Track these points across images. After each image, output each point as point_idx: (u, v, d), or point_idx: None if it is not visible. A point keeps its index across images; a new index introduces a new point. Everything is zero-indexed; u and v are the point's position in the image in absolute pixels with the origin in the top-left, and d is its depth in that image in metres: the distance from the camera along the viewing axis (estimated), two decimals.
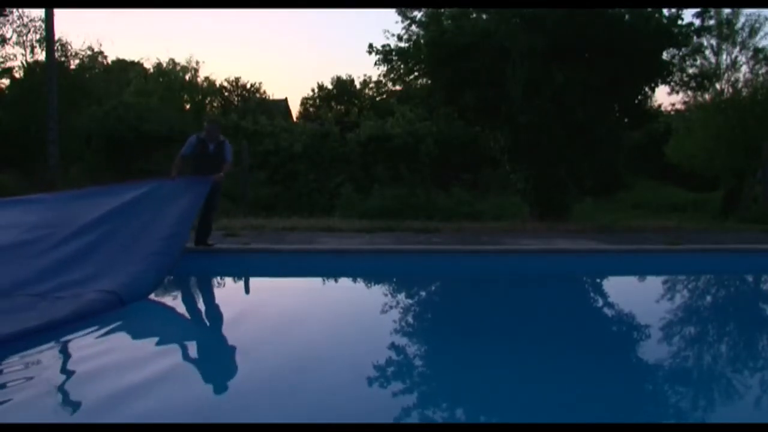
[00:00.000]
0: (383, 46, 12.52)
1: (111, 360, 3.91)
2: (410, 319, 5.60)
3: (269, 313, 5.56)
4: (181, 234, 6.39)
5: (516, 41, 10.95)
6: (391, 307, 6.06)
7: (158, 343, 4.52)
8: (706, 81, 13.32)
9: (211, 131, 7.47)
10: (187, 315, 5.75)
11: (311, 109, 36.37)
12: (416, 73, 12.79)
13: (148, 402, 3.19)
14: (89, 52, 23.26)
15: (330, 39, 59.53)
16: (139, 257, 5.71)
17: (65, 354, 4.13)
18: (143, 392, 3.33)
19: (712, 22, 13.97)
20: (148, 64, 29.62)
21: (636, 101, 12.21)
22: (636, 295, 6.88)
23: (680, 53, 11.88)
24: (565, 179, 11.85)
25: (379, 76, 15.06)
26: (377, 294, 6.97)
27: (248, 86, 36.04)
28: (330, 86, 37.14)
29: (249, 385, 3.59)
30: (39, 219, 6.29)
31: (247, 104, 31.94)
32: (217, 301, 6.53)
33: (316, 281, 7.28)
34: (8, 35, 19.85)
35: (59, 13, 19.87)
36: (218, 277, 7.14)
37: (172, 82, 28.28)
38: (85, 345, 4.21)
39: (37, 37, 19.81)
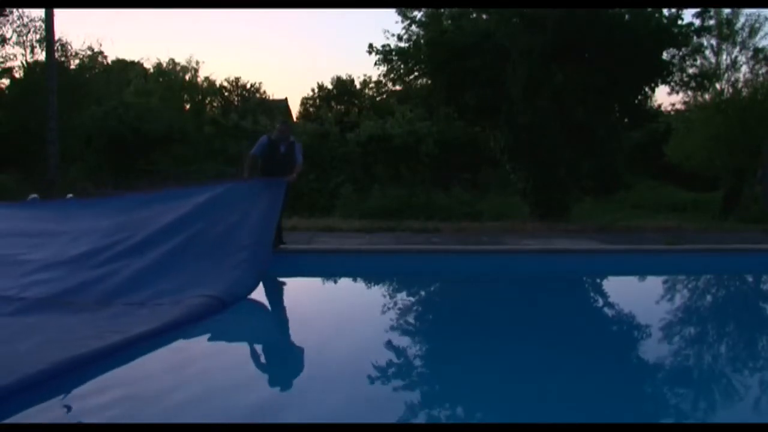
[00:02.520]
0: (383, 46, 12.55)
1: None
2: (410, 319, 5.60)
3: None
4: (269, 238, 6.27)
5: (516, 41, 10.96)
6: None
7: (254, 344, 4.54)
8: (706, 81, 13.34)
9: (282, 132, 7.28)
10: (264, 315, 5.70)
11: (311, 109, 36.34)
12: (416, 73, 12.81)
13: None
14: (89, 52, 23.25)
15: (330, 39, 59.52)
16: (233, 262, 5.56)
17: (161, 359, 4.00)
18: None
19: (712, 22, 14.00)
20: (148, 64, 29.66)
21: (636, 101, 12.23)
22: (636, 295, 6.88)
23: (680, 53, 11.89)
24: (565, 179, 11.86)
25: (379, 76, 15.09)
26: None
27: (248, 86, 36.04)
28: (330, 86, 37.12)
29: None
30: (114, 223, 6.11)
31: (247, 104, 31.94)
32: (287, 300, 6.48)
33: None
34: (8, 35, 19.85)
35: (59, 13, 19.89)
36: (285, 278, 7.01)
37: (172, 82, 28.30)
38: (181, 347, 4.16)
39: (37, 37, 19.81)
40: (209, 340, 4.49)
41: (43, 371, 3.13)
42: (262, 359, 4.31)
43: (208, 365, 3.91)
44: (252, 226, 6.13)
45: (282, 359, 4.28)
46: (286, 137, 7.25)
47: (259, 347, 4.53)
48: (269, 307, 5.90)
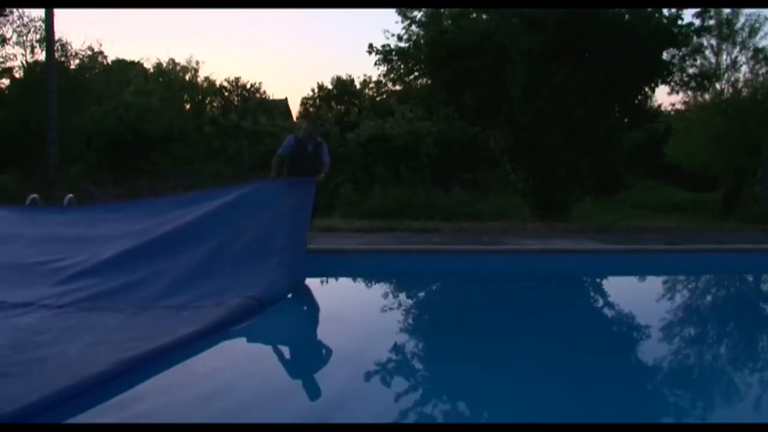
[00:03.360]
0: (383, 46, 12.55)
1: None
2: (410, 320, 5.60)
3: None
4: (303, 239, 6.23)
5: (516, 41, 10.96)
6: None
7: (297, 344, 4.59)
8: (706, 81, 13.35)
9: (310, 131, 7.18)
10: (302, 315, 5.71)
11: (311, 109, 36.35)
12: (416, 73, 12.81)
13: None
14: (89, 52, 23.26)
15: (330, 39, 59.50)
16: (270, 264, 5.50)
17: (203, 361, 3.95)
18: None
19: (712, 22, 14.01)
20: (148, 64, 29.66)
21: (636, 101, 12.23)
22: (636, 295, 6.88)
23: (680, 53, 11.89)
24: (565, 179, 11.86)
25: (379, 76, 15.09)
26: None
27: (248, 86, 36.05)
28: (330, 86, 37.14)
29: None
30: (145, 227, 6.03)
31: (247, 104, 31.95)
32: (322, 300, 6.46)
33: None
34: (8, 35, 19.85)
35: (59, 13, 19.88)
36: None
37: (172, 82, 28.30)
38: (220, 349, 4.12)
39: (37, 37, 19.81)
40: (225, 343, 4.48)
41: (104, 372, 3.09)
42: (288, 361, 4.29)
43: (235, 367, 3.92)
44: (286, 227, 6.08)
45: (311, 361, 4.24)
46: (313, 137, 7.17)
47: (285, 349, 4.54)
48: (282, 309, 5.90)
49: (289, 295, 5.42)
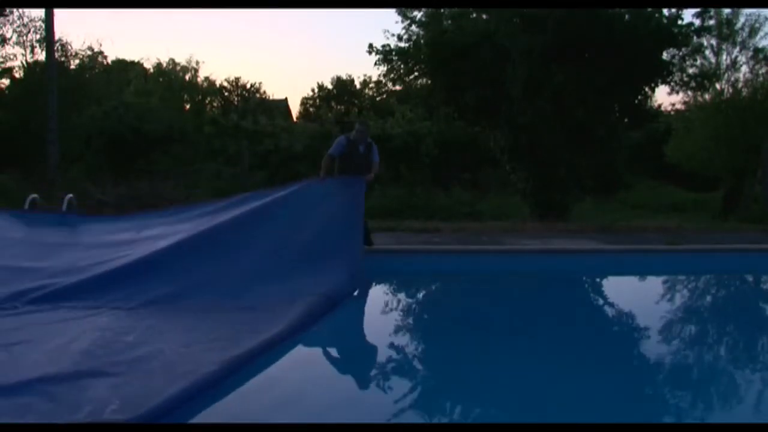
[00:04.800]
0: (383, 46, 12.55)
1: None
2: (412, 320, 5.59)
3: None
4: (360, 237, 6.28)
5: (516, 41, 10.96)
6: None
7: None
8: (706, 81, 13.35)
9: (361, 132, 7.19)
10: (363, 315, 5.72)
11: (311, 109, 36.36)
12: (416, 73, 12.81)
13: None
14: (89, 52, 23.24)
15: (330, 39, 59.55)
16: (332, 263, 5.51)
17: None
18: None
19: (712, 22, 14.01)
20: (148, 64, 29.65)
21: (636, 101, 12.22)
22: (636, 295, 6.88)
23: (680, 53, 11.89)
24: (565, 179, 11.85)
25: (379, 76, 15.09)
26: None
27: (248, 86, 36.06)
28: (330, 86, 37.15)
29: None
30: (199, 230, 5.98)
31: (247, 104, 31.94)
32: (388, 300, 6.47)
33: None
34: (8, 35, 19.84)
35: (59, 13, 19.91)
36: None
37: (172, 82, 28.29)
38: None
39: (37, 37, 19.80)
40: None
41: (215, 372, 3.08)
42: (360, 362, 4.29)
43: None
44: (340, 226, 6.11)
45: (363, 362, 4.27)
46: (365, 138, 7.18)
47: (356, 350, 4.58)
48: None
49: (355, 293, 5.46)
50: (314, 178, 7.06)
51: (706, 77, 13.20)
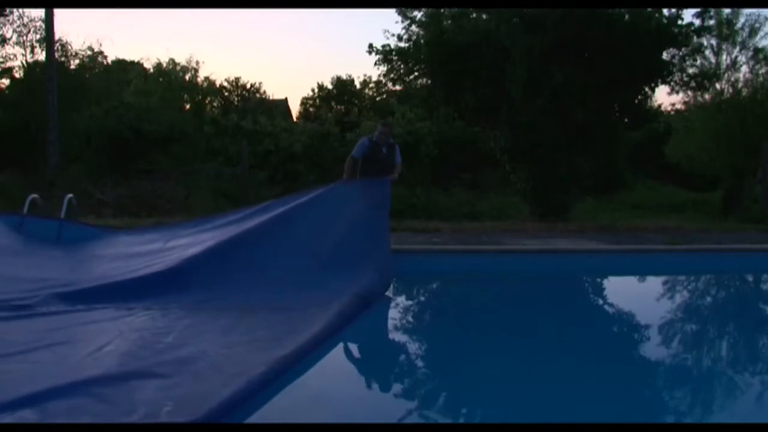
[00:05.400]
0: (383, 46, 12.54)
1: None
2: (413, 320, 5.59)
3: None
4: (387, 238, 6.27)
5: (516, 41, 10.96)
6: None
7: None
8: (706, 81, 13.33)
9: (384, 133, 7.16)
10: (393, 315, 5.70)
11: (311, 109, 36.33)
12: (416, 73, 12.81)
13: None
14: (89, 52, 23.28)
15: (330, 39, 59.46)
16: (363, 264, 5.51)
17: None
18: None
19: (712, 22, 14.01)
20: (148, 64, 29.60)
21: (636, 101, 12.22)
22: (636, 295, 6.88)
23: (680, 53, 11.89)
24: (565, 179, 11.86)
25: (379, 76, 15.09)
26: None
27: (248, 86, 36.02)
28: (330, 86, 37.12)
29: None
30: (226, 236, 5.94)
31: (247, 104, 31.94)
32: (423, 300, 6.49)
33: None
34: (8, 35, 19.86)
35: (59, 13, 19.89)
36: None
37: (172, 82, 28.24)
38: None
39: (37, 37, 19.83)
40: None
41: (265, 373, 3.05)
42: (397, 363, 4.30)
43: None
44: (368, 228, 6.12)
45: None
46: (387, 139, 7.15)
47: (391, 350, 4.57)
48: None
49: (387, 293, 5.48)
50: (338, 181, 7.01)
51: (706, 77, 13.19)
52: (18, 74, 20.75)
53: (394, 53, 12.52)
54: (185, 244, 5.97)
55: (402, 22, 12.37)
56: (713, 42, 15.48)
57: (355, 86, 37.14)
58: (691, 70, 12.35)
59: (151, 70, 28.96)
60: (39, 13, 18.87)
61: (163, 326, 3.98)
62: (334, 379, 3.71)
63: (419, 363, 4.20)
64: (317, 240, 5.87)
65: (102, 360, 3.25)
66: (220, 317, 4.28)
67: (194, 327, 3.99)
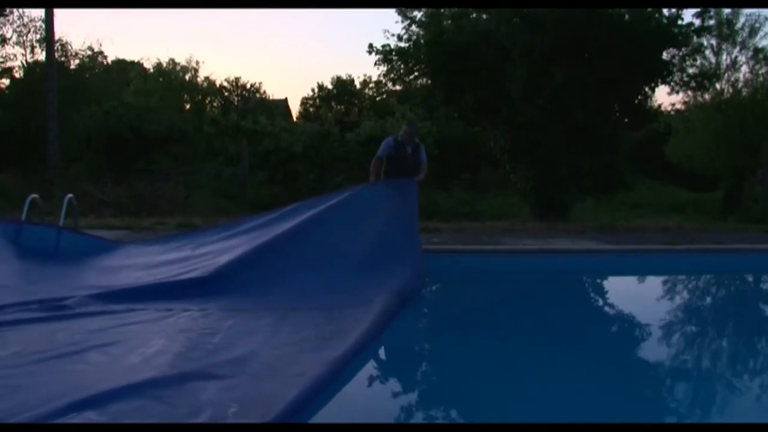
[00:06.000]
0: (383, 46, 12.54)
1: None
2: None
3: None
4: (418, 238, 6.30)
5: (516, 41, 10.95)
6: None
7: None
8: (706, 81, 13.32)
9: (409, 133, 7.12)
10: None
11: (311, 109, 36.33)
12: (416, 73, 12.80)
13: None
14: (89, 52, 23.32)
15: (330, 39, 59.55)
16: (397, 264, 5.50)
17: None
18: None
19: (712, 22, 13.99)
20: (148, 64, 29.65)
21: (636, 101, 12.21)
22: (636, 295, 6.88)
23: (680, 53, 11.88)
24: (565, 179, 11.85)
25: (379, 76, 15.08)
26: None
27: (248, 86, 36.04)
28: (330, 86, 37.13)
29: None
30: (257, 240, 5.91)
31: (247, 104, 31.95)
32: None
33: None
34: (8, 35, 19.89)
35: (59, 13, 19.93)
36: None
37: (172, 82, 28.28)
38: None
39: (37, 37, 19.86)
40: None
41: (326, 373, 3.03)
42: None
43: None
44: (399, 228, 6.11)
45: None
46: (412, 138, 7.12)
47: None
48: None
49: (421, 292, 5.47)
50: (365, 183, 7.00)
51: (706, 77, 13.18)
52: (18, 74, 20.79)
53: (394, 53, 12.51)
54: (216, 251, 5.90)
55: (402, 22, 12.38)
56: (713, 42, 15.48)
57: (355, 86, 37.18)
58: (691, 70, 12.35)
59: (151, 70, 29.01)
60: (39, 13, 18.91)
61: (207, 327, 3.94)
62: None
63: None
64: (350, 242, 5.85)
65: (154, 361, 3.23)
66: (261, 318, 4.23)
67: (238, 328, 3.94)
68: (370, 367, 3.80)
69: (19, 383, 2.84)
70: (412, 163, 7.00)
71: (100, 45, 30.18)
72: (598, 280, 7.73)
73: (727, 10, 15.34)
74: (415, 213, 6.53)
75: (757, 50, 15.82)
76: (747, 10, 15.57)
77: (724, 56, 15.88)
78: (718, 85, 15.75)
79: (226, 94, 35.04)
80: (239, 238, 6.19)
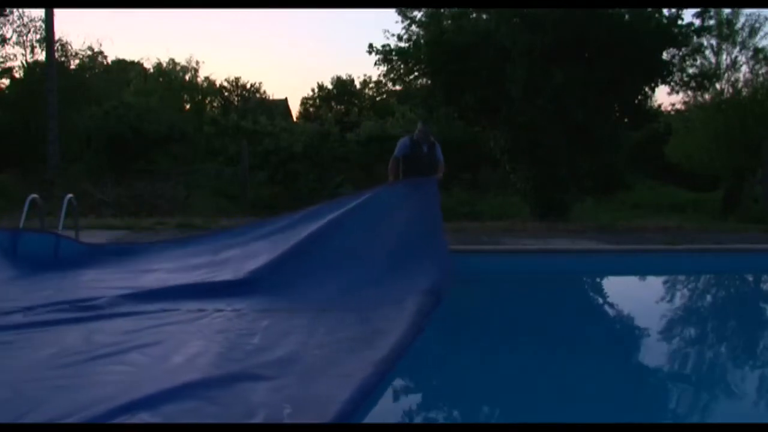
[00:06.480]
0: (383, 46, 12.53)
1: None
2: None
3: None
4: (442, 235, 6.29)
5: (516, 41, 10.95)
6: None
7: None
8: (706, 81, 13.31)
9: (424, 132, 7.18)
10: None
11: (311, 109, 36.33)
12: (416, 73, 12.80)
13: None
14: (89, 52, 23.30)
15: (330, 39, 59.48)
16: (425, 264, 5.48)
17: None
18: None
19: (712, 22, 13.98)
20: (148, 64, 29.65)
21: (636, 101, 12.21)
22: (636, 295, 6.89)
23: (680, 53, 11.87)
24: (565, 179, 11.85)
25: (379, 76, 15.07)
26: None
27: (248, 86, 36.03)
28: (330, 86, 37.13)
29: None
30: (280, 243, 5.85)
31: (247, 104, 31.95)
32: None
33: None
34: (8, 35, 19.88)
35: (59, 13, 19.92)
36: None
37: (172, 82, 28.29)
38: None
39: (37, 37, 19.85)
40: None
41: (373, 375, 3.01)
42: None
43: None
44: (424, 227, 6.10)
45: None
46: (428, 137, 7.16)
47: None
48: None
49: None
50: (385, 183, 6.99)
51: (706, 77, 13.18)
52: (18, 74, 20.78)
53: (394, 53, 12.51)
54: (239, 256, 5.84)
55: (402, 22, 12.37)
56: (713, 42, 15.46)
57: (355, 86, 37.17)
58: (691, 70, 12.34)
59: (151, 70, 29.02)
60: (39, 13, 18.90)
61: (243, 328, 3.90)
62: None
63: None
64: (373, 242, 5.83)
65: (197, 362, 3.20)
66: (294, 318, 4.19)
67: (274, 328, 3.91)
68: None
69: (62, 384, 2.82)
70: (428, 162, 7.02)
71: (100, 45, 30.15)
72: (598, 281, 7.73)
73: (727, 10, 15.33)
74: (437, 211, 6.48)
75: (757, 50, 15.81)
76: (747, 10, 15.58)
77: (724, 56, 15.89)
78: (718, 85, 15.74)
79: (226, 94, 35.04)
80: (262, 242, 6.13)
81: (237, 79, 35.81)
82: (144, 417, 2.46)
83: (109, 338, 3.57)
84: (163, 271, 5.62)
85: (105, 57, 27.09)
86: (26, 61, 20.53)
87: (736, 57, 15.94)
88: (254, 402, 2.68)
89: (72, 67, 21.66)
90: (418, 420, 3.16)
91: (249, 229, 6.81)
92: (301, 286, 5.08)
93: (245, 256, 5.76)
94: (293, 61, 58.08)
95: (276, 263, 5.42)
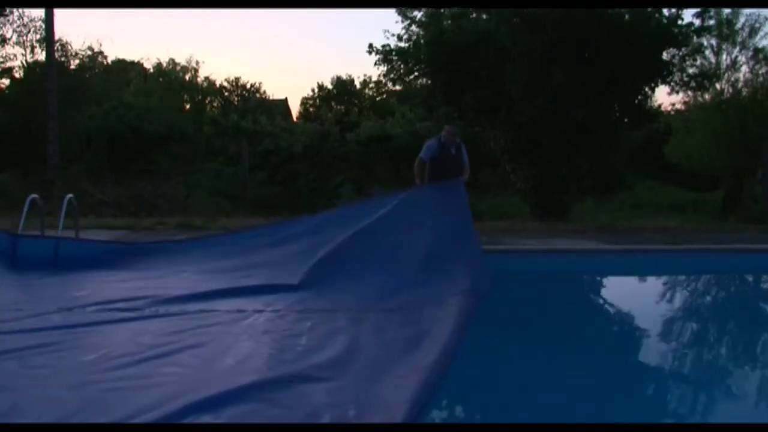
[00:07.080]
0: (383, 46, 12.54)
1: None
2: None
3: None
4: (474, 236, 6.20)
5: (516, 41, 10.95)
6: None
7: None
8: (706, 81, 13.31)
9: (451, 134, 7.10)
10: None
11: (311, 109, 36.31)
12: (416, 73, 12.80)
13: None
14: (89, 52, 23.33)
15: (330, 39, 59.39)
16: (461, 266, 5.41)
17: None
18: None
19: (712, 22, 13.98)
20: (148, 64, 29.64)
21: (636, 101, 12.21)
22: (636, 295, 6.88)
23: (680, 53, 11.88)
24: (565, 179, 11.85)
25: (379, 76, 15.08)
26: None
27: (248, 86, 35.99)
28: (330, 86, 37.10)
29: None
30: (309, 249, 5.79)
31: (247, 104, 31.93)
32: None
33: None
34: (8, 35, 19.90)
35: (59, 13, 19.91)
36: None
37: (172, 82, 28.28)
38: None
39: (37, 37, 19.87)
40: None
41: (430, 376, 2.94)
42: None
43: None
44: (456, 229, 6.03)
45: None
46: (455, 139, 7.09)
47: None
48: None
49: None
50: (413, 187, 6.93)
51: (706, 77, 13.18)
52: (18, 74, 20.79)
53: (394, 53, 12.52)
54: (267, 263, 5.80)
55: (402, 22, 12.38)
56: (713, 42, 15.46)
57: (355, 86, 37.12)
58: (691, 70, 12.35)
59: (151, 70, 29.01)
60: (39, 13, 18.91)
61: (288, 329, 3.85)
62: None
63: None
64: (407, 244, 5.79)
65: (249, 364, 3.16)
66: (337, 319, 4.13)
67: (318, 329, 3.85)
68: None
69: (118, 386, 2.80)
70: (455, 163, 6.94)
71: (100, 45, 30.09)
72: (598, 280, 7.73)
73: (727, 10, 15.33)
74: (467, 213, 6.39)
75: (757, 50, 15.80)
76: (747, 10, 15.57)
77: (724, 56, 15.88)
78: (718, 85, 15.73)
79: (226, 94, 35.00)
80: (292, 244, 6.10)
81: (237, 79, 35.79)
82: (207, 419, 2.42)
83: (155, 339, 3.53)
84: (191, 272, 5.60)
85: (105, 57, 27.10)
86: (26, 61, 20.56)
87: (736, 57, 15.95)
88: (316, 403, 2.64)
89: (72, 67, 21.69)
90: (420, 420, 3.16)
91: (268, 232, 6.76)
92: (338, 286, 5.05)
93: (275, 265, 5.69)
94: (293, 61, 58.01)
95: (317, 265, 5.39)
